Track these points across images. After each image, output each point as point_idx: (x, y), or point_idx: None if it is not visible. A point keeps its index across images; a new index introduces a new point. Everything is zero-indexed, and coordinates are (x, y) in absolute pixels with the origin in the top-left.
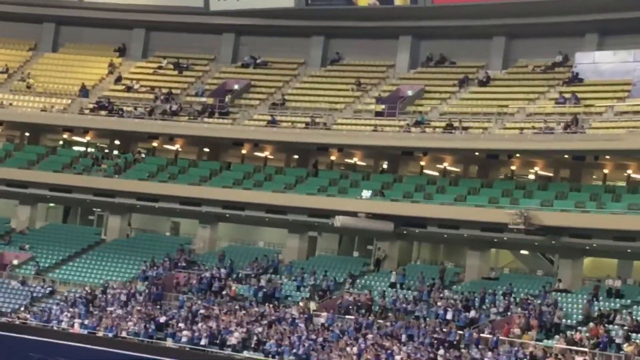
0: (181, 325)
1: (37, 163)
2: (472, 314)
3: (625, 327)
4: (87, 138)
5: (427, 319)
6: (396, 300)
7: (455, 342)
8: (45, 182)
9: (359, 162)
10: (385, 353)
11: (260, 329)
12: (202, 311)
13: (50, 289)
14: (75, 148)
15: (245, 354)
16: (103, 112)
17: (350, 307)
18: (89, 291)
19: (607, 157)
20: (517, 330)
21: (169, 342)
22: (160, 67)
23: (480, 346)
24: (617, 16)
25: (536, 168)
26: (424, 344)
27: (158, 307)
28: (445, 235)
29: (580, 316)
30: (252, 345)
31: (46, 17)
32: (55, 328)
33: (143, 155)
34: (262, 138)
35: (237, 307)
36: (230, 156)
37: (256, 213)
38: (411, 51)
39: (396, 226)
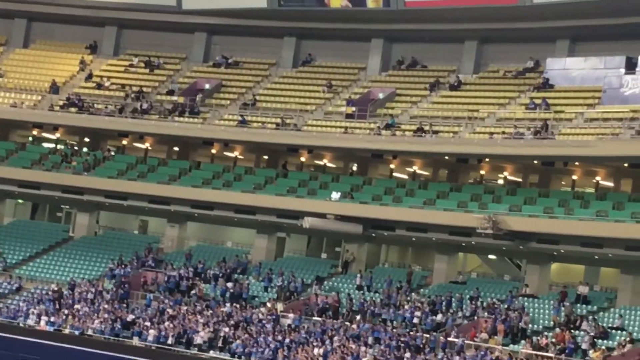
0: (148, 324)
1: (6, 159)
2: (439, 317)
3: (592, 334)
4: (57, 135)
5: (394, 322)
6: (363, 302)
7: (421, 346)
8: (13, 178)
9: (328, 164)
10: (352, 355)
11: (227, 329)
12: (169, 310)
13: (17, 285)
14: (45, 145)
15: (212, 353)
16: (73, 109)
17: (317, 308)
18: (56, 289)
19: (577, 163)
20: (483, 335)
21: (135, 341)
22: (131, 65)
23: (446, 350)
24: (588, 23)
25: (505, 173)
26: (390, 347)
27: (125, 305)
28: (414, 239)
29: (546, 321)
30: (219, 345)
31: (18, 13)
32: (21, 325)
33: (112, 153)
34: (232, 138)
35: (204, 307)
36: (199, 155)
37: (225, 213)
38: (383, 54)
39: (365, 228)
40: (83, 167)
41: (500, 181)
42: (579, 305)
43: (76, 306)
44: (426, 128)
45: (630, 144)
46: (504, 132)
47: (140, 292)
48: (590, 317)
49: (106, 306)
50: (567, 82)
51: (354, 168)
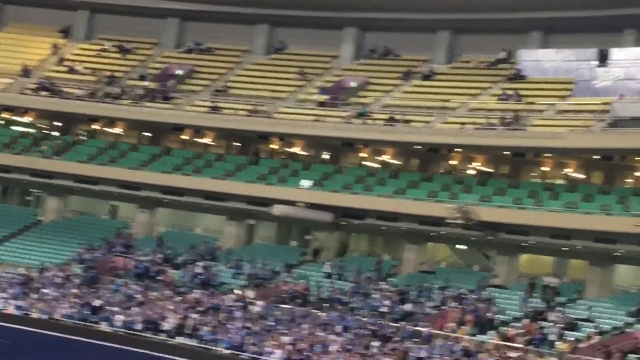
0: (116, 309)
1: None
2: (408, 307)
3: (560, 325)
4: (28, 118)
5: (363, 310)
6: (332, 291)
7: (390, 335)
8: None
9: (299, 152)
10: (320, 344)
11: (195, 316)
12: (137, 296)
13: None
14: (15, 128)
15: (180, 340)
16: (44, 93)
17: (286, 296)
18: (25, 273)
19: (547, 155)
20: (451, 325)
21: (104, 326)
22: (103, 50)
23: (414, 339)
24: (561, 15)
25: (476, 163)
26: (358, 336)
27: (94, 290)
28: (384, 228)
29: (515, 312)
30: (187, 332)
31: None
32: None
33: (83, 138)
34: (203, 124)
35: (172, 293)
36: (170, 141)
37: (195, 199)
38: (356, 42)
39: (335, 217)
40: (53, 151)
41: (471, 171)
42: (547, 296)
43: (45, 290)
44: (398, 117)
45: (601, 136)
46: (475, 123)
47: (109, 277)
48: (558, 309)
49: (75, 291)
50: (539, 74)
51: (325, 156)
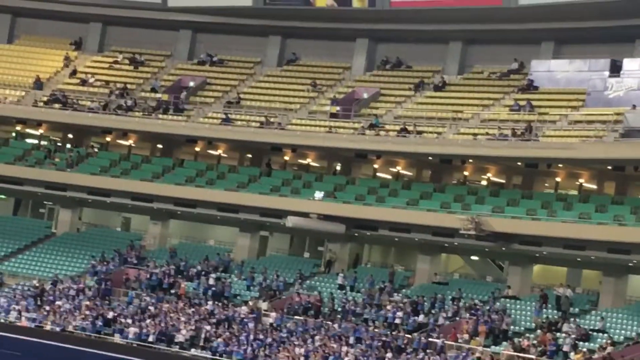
0: (129, 321)
1: None
2: (421, 318)
3: (573, 336)
4: (40, 131)
5: (376, 322)
6: (345, 302)
7: (403, 346)
8: None
9: (312, 163)
10: (333, 355)
11: (208, 327)
12: (150, 308)
13: None
14: (28, 140)
15: (193, 352)
16: (57, 105)
17: (299, 307)
18: (38, 285)
19: (560, 165)
20: (465, 336)
21: (117, 338)
22: (116, 62)
23: (428, 350)
24: (573, 25)
25: (489, 174)
26: (371, 347)
27: (107, 302)
28: (397, 239)
29: (528, 323)
30: (200, 344)
31: (2, 8)
32: (2, 320)
33: (96, 150)
34: (216, 136)
35: (186, 304)
36: (183, 153)
37: (208, 211)
38: (368, 54)
39: (347, 228)
40: (66, 163)
41: (484, 182)
42: (553, 310)
43: (58, 303)
44: (410, 128)
45: (614, 146)
46: (487, 134)
47: (122, 289)
48: (572, 320)
49: (88, 303)
50: (552, 84)
51: (338, 168)
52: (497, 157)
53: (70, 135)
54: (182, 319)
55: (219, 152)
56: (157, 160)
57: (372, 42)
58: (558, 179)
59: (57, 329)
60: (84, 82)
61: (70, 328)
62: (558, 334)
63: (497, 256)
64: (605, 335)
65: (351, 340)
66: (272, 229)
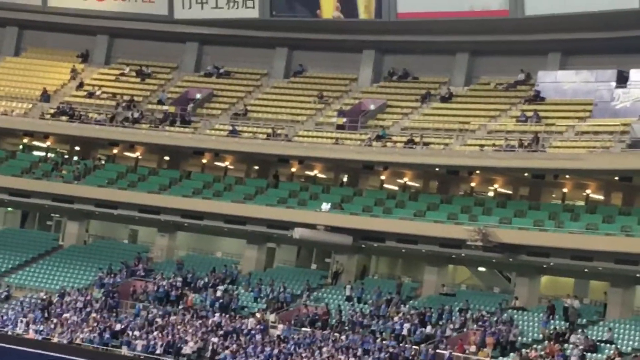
0: (137, 333)
1: None
2: (428, 329)
3: (581, 347)
4: (48, 143)
5: (383, 333)
6: (353, 314)
7: (410, 358)
8: (3, 186)
9: (319, 175)
10: None
11: (216, 340)
12: (158, 320)
13: (5, 293)
14: (35, 153)
15: None
16: (64, 118)
17: (307, 319)
18: (45, 297)
19: (567, 176)
20: (472, 347)
21: (124, 350)
22: (122, 74)
23: None
24: (580, 36)
25: (496, 185)
26: (379, 359)
27: (114, 314)
28: (404, 250)
29: (536, 334)
30: (208, 356)
31: (9, 21)
32: (9, 333)
33: (103, 162)
34: (222, 148)
35: (193, 316)
36: (190, 165)
37: (215, 223)
38: (374, 65)
39: (355, 240)
40: (73, 175)
41: (491, 193)
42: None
43: (65, 315)
44: (417, 140)
45: (621, 157)
46: (494, 145)
47: (130, 302)
48: (580, 331)
49: (95, 315)
50: (559, 95)
51: (345, 179)
52: (504, 168)
53: (77, 148)
54: (190, 331)
55: (226, 164)
56: (164, 173)
57: (379, 54)
58: (565, 190)
59: (65, 341)
60: (90, 95)
61: (77, 340)
62: (566, 345)
63: (504, 267)
64: (613, 346)
65: (359, 352)
66: (279, 241)
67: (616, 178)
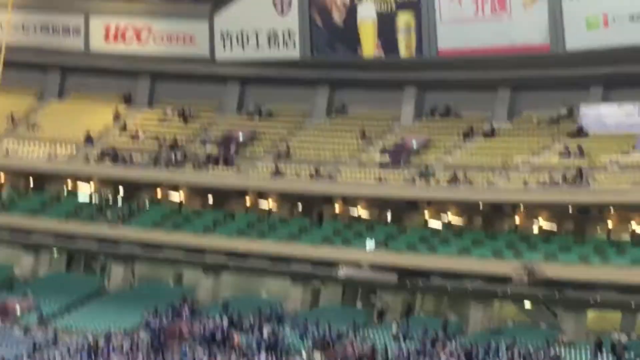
0: None
1: (42, 211)
2: None
3: None
4: (92, 186)
5: None
6: (399, 352)
7: None
8: (49, 230)
9: (363, 213)
10: None
11: None
12: None
13: (52, 337)
14: (80, 196)
15: None
16: (108, 161)
17: (353, 358)
18: (92, 340)
19: (612, 210)
20: None
21: None
22: (165, 116)
23: None
24: (622, 69)
25: (540, 220)
26: None
27: (160, 356)
28: (449, 287)
29: None
30: None
31: (52, 66)
32: None
33: (147, 204)
34: (266, 188)
35: (239, 357)
36: (234, 206)
37: (260, 263)
38: (416, 102)
39: (400, 277)
40: (118, 218)
41: (535, 229)
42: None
43: (112, 357)
44: (460, 176)
45: None
46: (538, 180)
47: (176, 343)
48: None
49: (142, 357)
50: (601, 129)
51: (389, 217)
52: (548, 203)
53: (121, 190)
54: None
55: (270, 204)
56: (208, 214)
57: (420, 91)
58: (610, 224)
59: None
60: (134, 137)
61: None
62: None
63: (550, 302)
64: None
65: None
66: (324, 280)
67: None
